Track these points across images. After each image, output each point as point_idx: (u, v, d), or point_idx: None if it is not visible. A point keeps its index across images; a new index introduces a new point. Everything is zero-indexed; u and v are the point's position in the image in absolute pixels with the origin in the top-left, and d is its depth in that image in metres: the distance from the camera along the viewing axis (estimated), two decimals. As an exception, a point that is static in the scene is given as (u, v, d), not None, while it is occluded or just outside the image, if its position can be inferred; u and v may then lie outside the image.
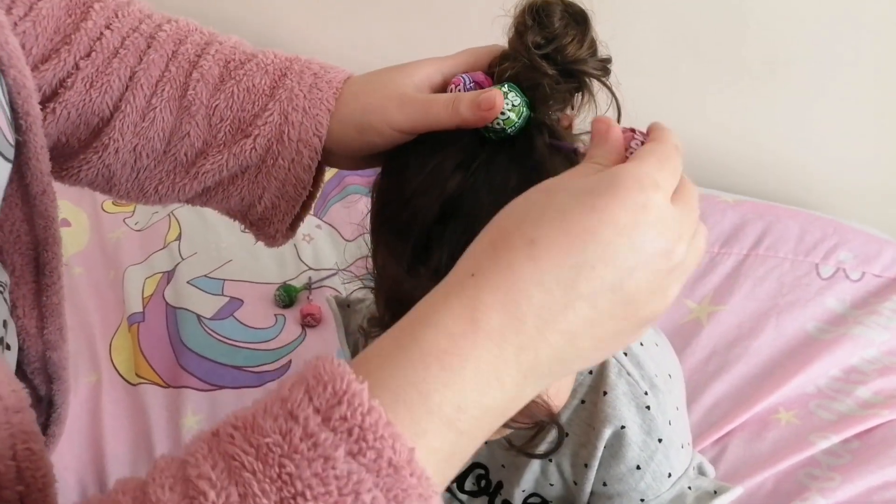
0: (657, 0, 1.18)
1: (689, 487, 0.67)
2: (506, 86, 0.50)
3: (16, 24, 0.54)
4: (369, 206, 0.59)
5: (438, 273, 0.49)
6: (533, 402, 0.53)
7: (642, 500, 0.66)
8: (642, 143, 0.43)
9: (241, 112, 0.55)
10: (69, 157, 0.58)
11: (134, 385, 1.05)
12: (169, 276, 1.14)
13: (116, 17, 0.57)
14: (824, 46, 1.14)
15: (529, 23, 0.50)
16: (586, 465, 0.66)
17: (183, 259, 1.16)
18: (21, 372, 0.62)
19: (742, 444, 1.00)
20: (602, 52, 0.51)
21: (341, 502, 0.31)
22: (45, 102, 0.55)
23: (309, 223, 1.22)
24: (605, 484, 0.67)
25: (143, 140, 0.56)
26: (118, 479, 0.35)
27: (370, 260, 0.57)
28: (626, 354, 0.66)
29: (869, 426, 1.00)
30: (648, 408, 0.64)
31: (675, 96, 1.25)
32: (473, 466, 0.76)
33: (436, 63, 0.55)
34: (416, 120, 0.52)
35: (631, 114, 0.53)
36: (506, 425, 0.56)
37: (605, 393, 0.65)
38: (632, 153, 0.42)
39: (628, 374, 0.65)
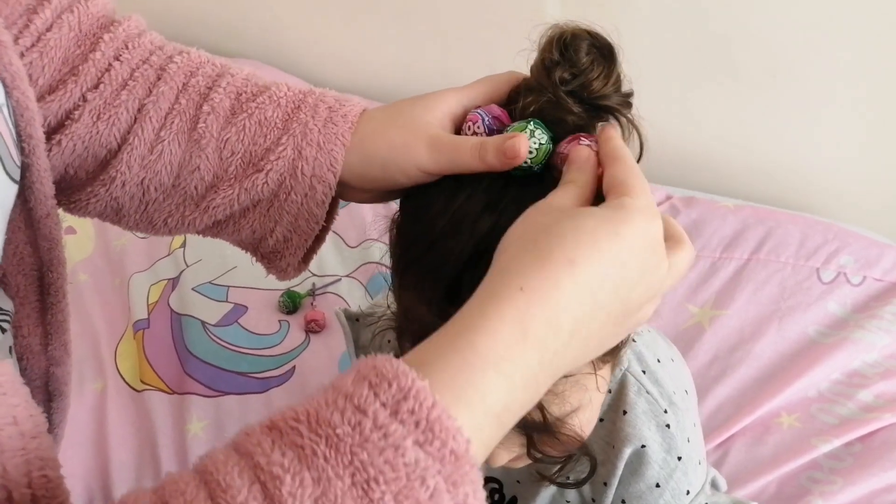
0: (656, 8, 1.18)
1: (706, 504, 0.68)
2: (531, 123, 0.49)
3: (23, 54, 0.52)
4: (387, 234, 0.58)
5: None
6: (566, 435, 0.54)
7: (661, 519, 0.67)
8: (589, 145, 0.48)
9: (252, 146, 0.54)
10: (77, 189, 0.57)
11: (139, 391, 1.04)
12: (174, 282, 1.14)
13: (126, 48, 0.55)
14: (823, 53, 1.15)
15: (556, 58, 0.49)
16: (605, 484, 0.67)
17: (188, 266, 1.15)
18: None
19: (744, 449, 1.01)
20: (626, 85, 0.51)
21: (409, 486, 0.34)
22: (51, 134, 0.54)
23: (311, 227, 1.22)
24: (623, 501, 0.67)
25: (150, 173, 0.54)
26: (167, 475, 0.37)
27: (391, 296, 0.56)
28: (644, 372, 0.67)
29: (871, 429, 1.01)
30: (668, 426, 0.65)
31: (675, 103, 1.25)
32: (487, 480, 0.76)
33: (455, 94, 0.54)
34: (444, 163, 0.51)
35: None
36: (537, 459, 0.57)
37: (624, 412, 0.65)
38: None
39: (647, 392, 0.65)
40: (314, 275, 1.16)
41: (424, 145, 0.51)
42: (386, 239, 0.58)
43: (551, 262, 0.41)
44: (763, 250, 1.16)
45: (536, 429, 0.54)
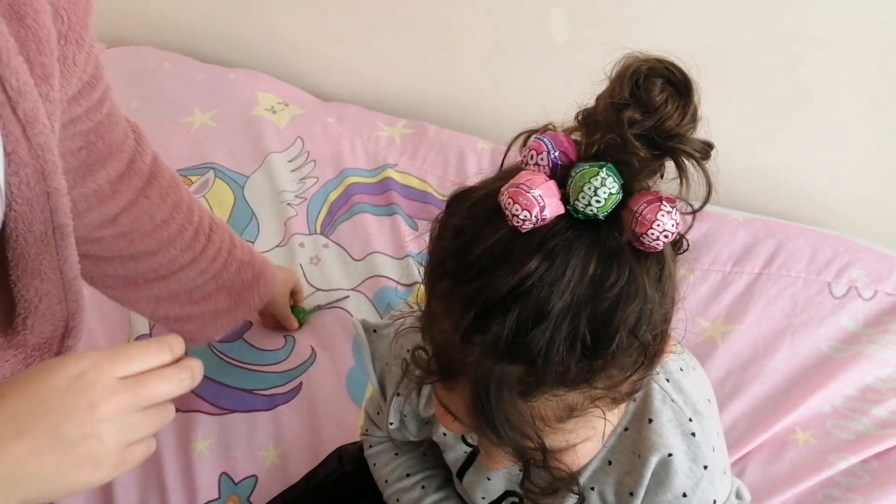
0: (664, 22, 1.19)
1: (734, 515, 0.66)
2: (604, 169, 0.47)
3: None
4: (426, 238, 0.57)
5: (495, 348, 0.48)
6: (554, 467, 0.55)
7: (689, 529, 0.65)
8: (670, 213, 0.47)
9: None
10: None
11: (141, 410, 1.02)
12: (176, 297, 1.12)
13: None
14: (831, 66, 1.15)
15: (626, 97, 0.46)
16: (632, 494, 0.65)
17: (191, 280, 1.13)
18: None
19: (760, 466, 1.00)
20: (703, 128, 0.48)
21: None
22: None
23: (315, 243, 1.21)
24: (649, 512, 0.66)
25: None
26: None
27: (421, 288, 0.55)
28: (668, 381, 0.65)
29: (887, 446, 0.99)
30: (694, 434, 0.63)
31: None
32: (507, 494, 0.74)
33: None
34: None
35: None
36: (527, 490, 0.57)
37: (650, 420, 0.63)
38: None
39: (672, 400, 0.64)
40: (318, 290, 1.14)
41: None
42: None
43: None
44: (774, 264, 1.15)
45: (535, 464, 0.54)
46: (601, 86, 0.49)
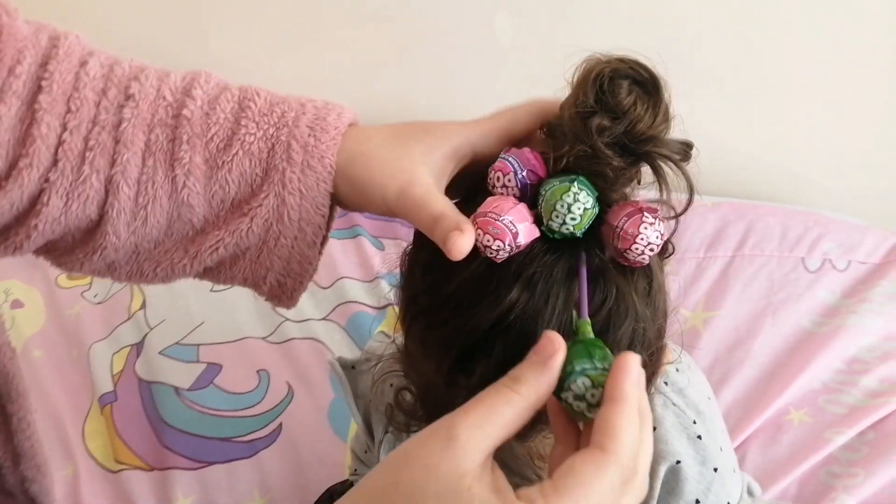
0: (614, 18, 1.17)
1: (749, 514, 0.64)
2: (576, 184, 0.43)
3: None
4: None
5: (481, 387, 0.43)
6: None
7: (704, 536, 0.62)
8: (653, 224, 0.44)
9: (237, 195, 0.51)
10: (66, 253, 0.53)
11: (115, 472, 0.97)
12: (138, 348, 1.07)
13: (70, 111, 0.49)
14: (789, 46, 1.15)
15: (592, 104, 0.43)
16: (642, 506, 0.62)
17: (151, 328, 1.08)
18: (5, 492, 0.60)
19: (759, 451, 0.98)
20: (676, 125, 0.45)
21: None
22: (23, 219, 0.50)
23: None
24: (663, 524, 0.63)
25: (139, 237, 0.52)
26: None
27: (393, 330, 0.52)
28: (666, 384, 0.63)
29: (881, 415, 0.98)
30: (699, 437, 0.61)
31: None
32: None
33: (465, 132, 0.48)
34: (404, 215, 0.47)
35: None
36: None
37: (653, 429, 0.61)
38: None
39: (674, 404, 0.62)
40: (288, 319, 1.10)
41: (397, 189, 0.47)
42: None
43: None
44: (747, 245, 1.15)
45: None
46: (565, 91, 0.46)
